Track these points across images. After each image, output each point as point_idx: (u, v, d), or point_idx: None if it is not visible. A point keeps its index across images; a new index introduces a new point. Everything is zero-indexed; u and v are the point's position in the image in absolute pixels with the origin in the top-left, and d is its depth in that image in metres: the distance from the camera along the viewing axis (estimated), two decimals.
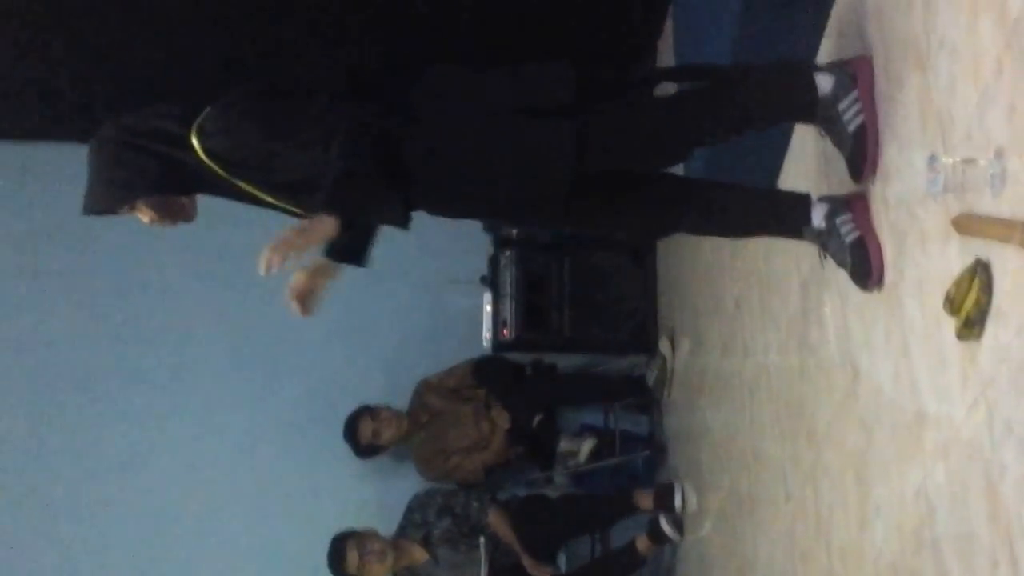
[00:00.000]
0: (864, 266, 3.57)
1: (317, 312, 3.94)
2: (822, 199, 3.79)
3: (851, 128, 3.58)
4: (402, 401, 7.52)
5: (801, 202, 3.82)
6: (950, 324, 2.82)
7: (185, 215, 3.95)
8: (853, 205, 3.66)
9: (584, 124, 3.70)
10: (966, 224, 2.79)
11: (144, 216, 3.88)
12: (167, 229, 3.98)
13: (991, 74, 2.71)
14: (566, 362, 7.84)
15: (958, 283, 2.78)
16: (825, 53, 4.08)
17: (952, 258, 2.92)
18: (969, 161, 2.75)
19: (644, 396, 7.46)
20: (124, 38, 6.96)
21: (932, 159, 2.83)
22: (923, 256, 3.14)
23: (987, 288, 2.69)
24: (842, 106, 3.59)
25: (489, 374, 7.57)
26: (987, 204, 2.72)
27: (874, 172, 3.56)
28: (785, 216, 3.87)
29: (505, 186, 3.77)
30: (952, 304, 2.79)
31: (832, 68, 3.67)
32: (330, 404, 7.54)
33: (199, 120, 3.73)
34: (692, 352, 6.62)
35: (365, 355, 7.94)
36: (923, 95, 3.15)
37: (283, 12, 6.82)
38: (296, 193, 3.79)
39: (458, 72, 3.86)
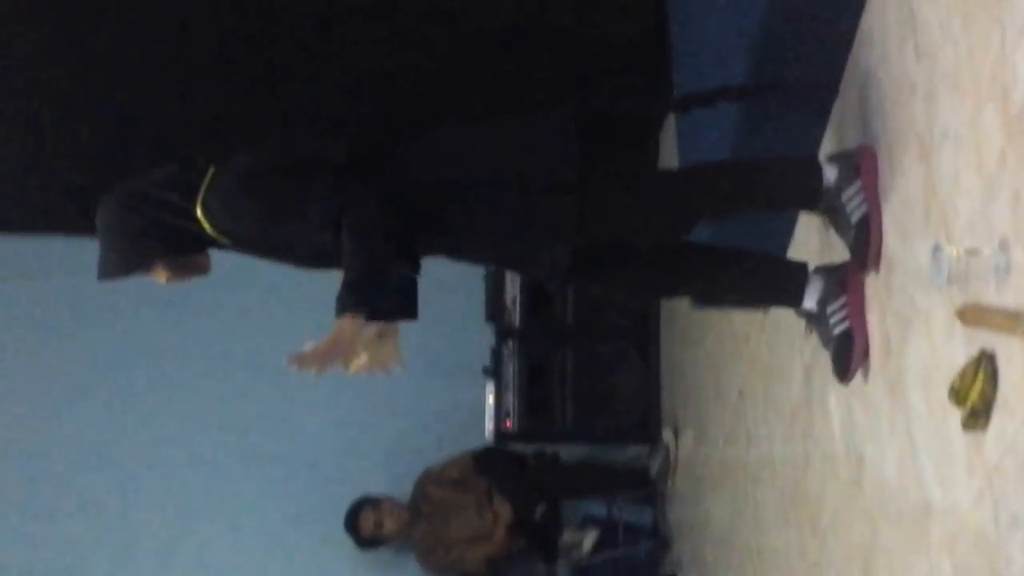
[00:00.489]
0: (844, 361, 3.65)
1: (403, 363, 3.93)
2: (819, 271, 3.81)
3: (854, 219, 3.59)
4: (404, 492, 7.49)
5: (797, 278, 3.83)
6: (955, 415, 2.81)
7: (201, 269, 3.98)
8: (848, 285, 3.68)
9: (585, 201, 3.71)
10: (971, 315, 2.78)
11: (160, 277, 3.90)
12: (176, 284, 3.99)
13: (994, 164, 2.72)
14: (569, 452, 7.81)
15: (963, 374, 2.77)
16: (828, 141, 4.10)
17: (957, 349, 2.91)
18: (973, 252, 2.76)
19: (647, 487, 7.43)
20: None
21: (936, 249, 2.83)
22: (928, 346, 3.14)
23: (992, 379, 2.68)
24: (846, 196, 3.60)
25: (491, 465, 7.54)
26: (992, 295, 2.72)
27: (878, 263, 3.57)
28: (779, 293, 3.92)
29: (507, 257, 3.86)
30: (957, 395, 2.78)
31: (836, 158, 3.70)
32: (331, 495, 7.51)
33: (203, 194, 3.75)
34: (695, 442, 6.60)
35: (367, 445, 7.92)
36: (927, 185, 3.16)
37: (280, 65, 6.88)
38: (303, 265, 3.86)
39: (460, 135, 3.90)
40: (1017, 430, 2.58)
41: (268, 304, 7.68)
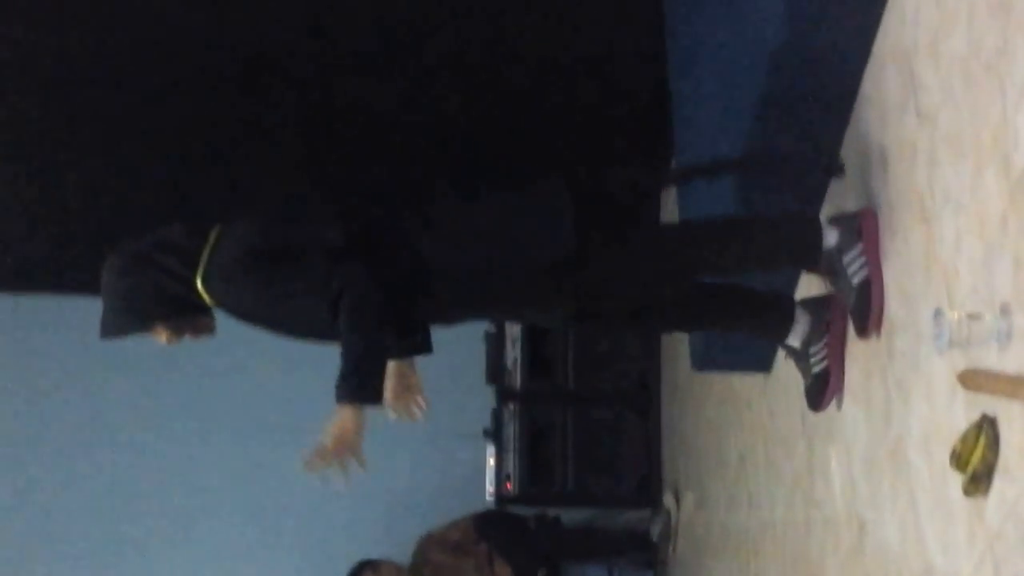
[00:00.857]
0: (818, 397, 3.91)
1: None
2: (806, 308, 3.89)
3: (855, 282, 3.61)
4: (404, 555, 7.44)
5: (784, 315, 3.92)
6: (956, 480, 2.79)
7: (205, 330, 4.00)
8: (832, 327, 3.82)
9: (583, 276, 3.78)
10: (972, 379, 2.77)
11: (161, 336, 3.92)
12: (178, 344, 4.00)
13: (996, 228, 2.71)
14: (570, 516, 7.78)
15: (964, 439, 2.76)
16: (829, 204, 4.09)
17: (958, 413, 2.90)
18: (975, 316, 2.74)
19: (648, 551, 7.40)
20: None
21: (937, 313, 2.82)
22: (929, 410, 3.12)
23: (993, 444, 2.67)
24: (847, 259, 3.63)
25: (492, 528, 7.51)
26: (993, 359, 2.71)
27: (879, 327, 3.57)
28: (766, 328, 4.02)
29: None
30: (958, 460, 2.77)
31: (837, 220, 3.71)
32: (331, 557, 7.47)
33: (203, 266, 3.78)
34: (696, 507, 6.57)
35: (367, 509, 7.88)
36: (928, 249, 3.15)
37: (279, 122, 6.91)
38: (301, 339, 3.89)
39: (459, 212, 3.93)
40: (1018, 496, 2.56)
41: (272, 364, 7.66)
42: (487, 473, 7.58)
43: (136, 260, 3.87)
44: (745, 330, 4.29)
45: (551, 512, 7.72)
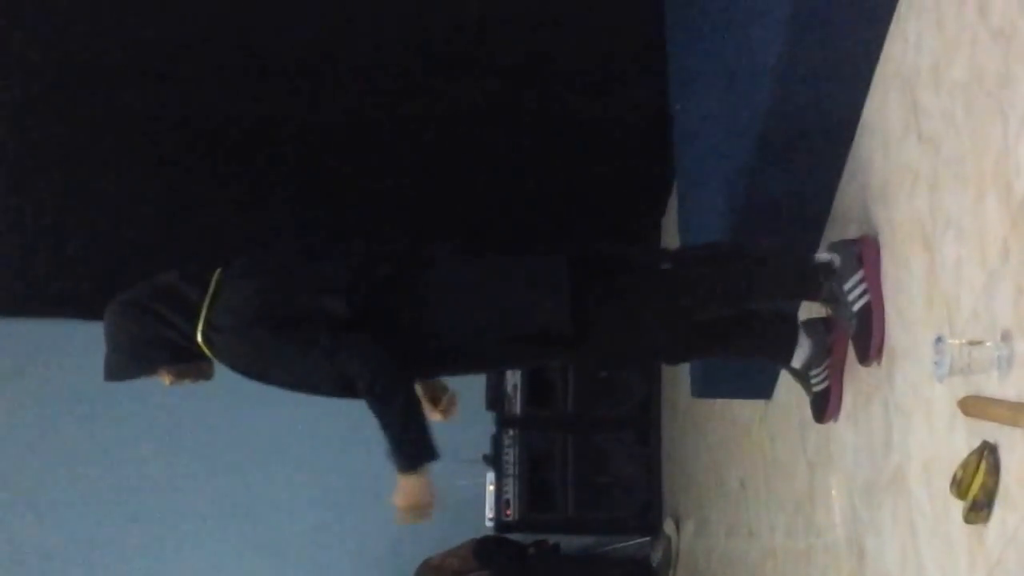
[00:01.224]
0: (820, 411, 3.97)
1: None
2: (808, 330, 3.92)
3: (856, 308, 3.61)
4: None
5: (787, 338, 3.94)
6: (957, 507, 2.79)
7: (204, 375, 4.07)
8: (834, 350, 3.87)
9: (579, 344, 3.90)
10: (973, 406, 2.77)
11: (164, 379, 4.01)
12: (182, 387, 4.09)
13: (997, 255, 2.71)
14: (570, 543, 7.76)
15: (965, 466, 2.75)
16: (831, 229, 4.09)
17: (959, 440, 2.89)
18: (976, 343, 2.74)
19: None
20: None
21: (938, 340, 2.81)
22: (929, 437, 3.12)
23: (994, 471, 2.66)
24: (847, 286, 3.63)
25: (491, 555, 7.49)
26: (994, 386, 2.70)
27: (880, 354, 3.57)
28: (770, 351, 4.07)
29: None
30: (959, 487, 2.76)
31: (838, 247, 3.72)
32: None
33: (203, 322, 3.85)
34: (697, 534, 6.56)
35: (366, 534, 7.86)
36: (929, 276, 3.15)
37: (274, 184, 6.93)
38: (298, 392, 3.98)
39: (457, 276, 4.01)
40: (1019, 523, 2.55)
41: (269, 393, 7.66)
42: (487, 499, 7.56)
43: (135, 308, 3.94)
44: (750, 357, 4.34)
45: (551, 539, 7.70)
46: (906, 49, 3.41)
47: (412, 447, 3.84)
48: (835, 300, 3.70)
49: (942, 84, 3.12)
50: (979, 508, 2.70)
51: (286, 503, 7.82)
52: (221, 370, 4.04)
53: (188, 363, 3.98)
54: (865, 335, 3.60)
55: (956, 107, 3.01)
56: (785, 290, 3.99)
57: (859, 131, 3.81)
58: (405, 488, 3.85)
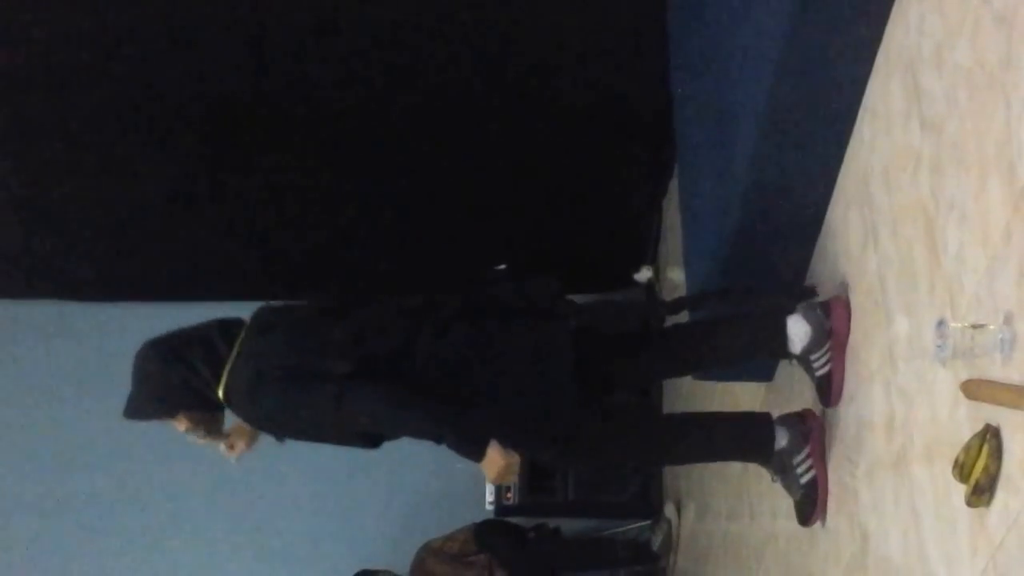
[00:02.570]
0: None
1: None
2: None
3: (803, 480, 4.07)
4: (403, 565, 7.43)
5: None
6: (959, 490, 2.79)
7: (217, 430, 4.40)
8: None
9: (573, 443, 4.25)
10: (975, 390, 2.77)
11: (180, 425, 4.30)
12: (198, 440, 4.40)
13: (1000, 238, 2.71)
14: (570, 526, 7.76)
15: (967, 449, 2.75)
16: (833, 211, 4.09)
17: (961, 424, 2.89)
18: (978, 326, 2.74)
19: (649, 562, 7.38)
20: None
21: (941, 324, 2.81)
22: (932, 421, 3.12)
23: (996, 454, 2.66)
24: (796, 460, 4.08)
25: (491, 539, 7.49)
26: (996, 369, 2.70)
27: (823, 519, 4.06)
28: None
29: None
30: (961, 470, 2.76)
31: (787, 422, 4.14)
32: (331, 568, 7.47)
33: (225, 378, 4.13)
34: (698, 517, 6.56)
35: (366, 518, 7.88)
36: (931, 258, 3.15)
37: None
38: (313, 441, 4.28)
39: (461, 346, 4.18)
40: (1021, 507, 2.56)
41: None
42: (487, 483, 7.56)
43: (169, 352, 4.22)
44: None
45: (551, 522, 7.71)
46: (908, 33, 3.40)
47: (466, 443, 4.06)
48: (783, 470, 4.13)
49: (944, 68, 3.12)
50: (981, 491, 2.70)
51: (288, 482, 7.82)
52: None
53: (207, 412, 4.28)
54: (810, 504, 4.08)
55: (958, 91, 3.01)
56: (740, 455, 4.49)
57: (861, 114, 3.81)
58: (486, 468, 4.04)
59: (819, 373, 3.98)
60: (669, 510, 7.20)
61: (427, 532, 7.52)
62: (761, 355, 4.35)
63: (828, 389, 3.97)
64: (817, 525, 4.14)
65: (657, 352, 4.48)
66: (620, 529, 7.82)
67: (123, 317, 7.64)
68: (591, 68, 6.44)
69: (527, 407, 4.12)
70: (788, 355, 4.07)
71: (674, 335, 4.66)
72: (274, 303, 4.38)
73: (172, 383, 4.20)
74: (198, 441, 4.37)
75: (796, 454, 4.08)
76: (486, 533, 7.51)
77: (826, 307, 3.96)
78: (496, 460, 4.01)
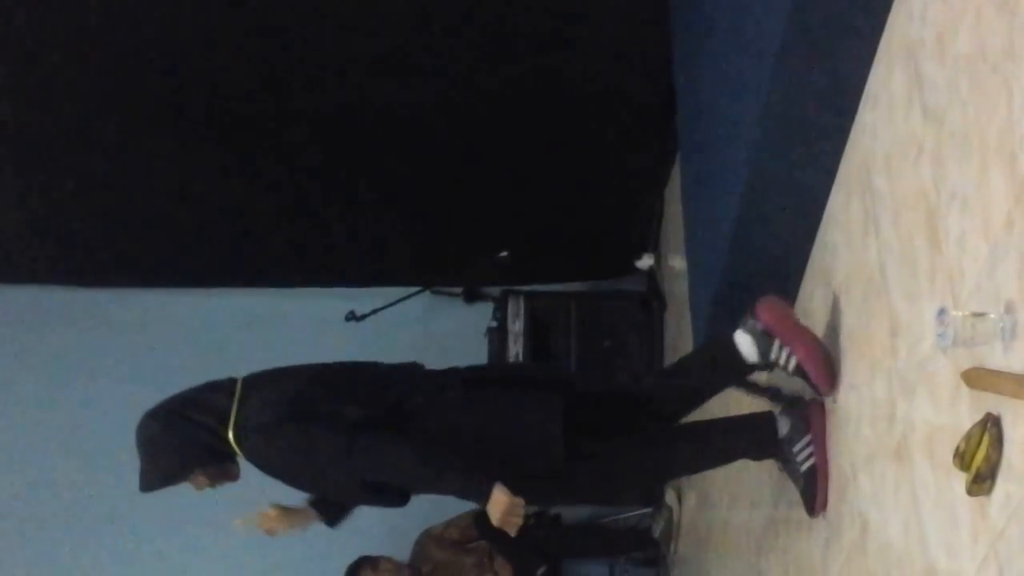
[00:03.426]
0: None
1: None
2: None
3: (803, 468, 4.09)
4: (403, 552, 7.44)
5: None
6: (960, 479, 2.79)
7: (232, 477, 4.47)
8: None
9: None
10: (976, 378, 2.77)
11: (198, 485, 4.42)
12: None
13: (1001, 227, 2.71)
14: (571, 514, 7.77)
15: (968, 438, 2.75)
16: (835, 198, 4.09)
17: (962, 412, 2.89)
18: (979, 315, 2.74)
19: (650, 549, 7.39)
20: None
21: (941, 312, 2.81)
22: (933, 410, 3.12)
23: (997, 443, 2.66)
24: (796, 448, 4.10)
25: (492, 525, 7.47)
26: (997, 358, 2.70)
27: (824, 509, 4.06)
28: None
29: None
30: (962, 459, 2.76)
31: (788, 412, 4.18)
32: (330, 554, 7.46)
33: (233, 425, 4.23)
34: (699, 505, 6.57)
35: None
36: (933, 247, 3.15)
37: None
38: (325, 493, 4.58)
39: (458, 405, 4.34)
40: (1022, 495, 2.55)
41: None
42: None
43: (169, 415, 4.30)
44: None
45: (552, 510, 7.71)
46: (910, 21, 3.40)
47: (470, 491, 4.30)
48: (785, 460, 4.17)
49: (946, 56, 3.11)
50: (982, 480, 2.70)
51: None
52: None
53: (220, 465, 4.35)
54: (811, 492, 4.09)
55: (960, 79, 3.01)
56: (742, 453, 4.45)
57: (863, 103, 3.80)
58: (491, 510, 4.16)
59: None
60: (670, 498, 7.21)
61: (427, 519, 7.52)
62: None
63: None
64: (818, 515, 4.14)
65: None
66: (621, 516, 7.83)
67: (125, 303, 7.66)
68: (594, 57, 6.43)
69: (518, 461, 4.25)
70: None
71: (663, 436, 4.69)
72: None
73: (179, 443, 4.28)
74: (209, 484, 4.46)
75: (796, 443, 4.10)
76: (486, 520, 7.48)
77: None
78: (501, 501, 4.10)
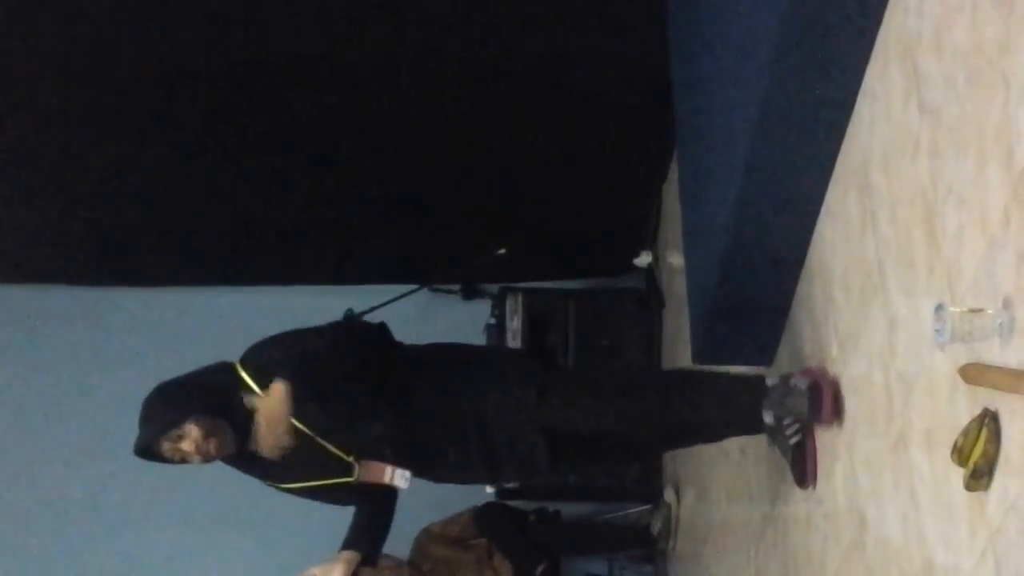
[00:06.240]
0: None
1: None
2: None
3: (792, 442, 4.16)
4: (403, 549, 7.43)
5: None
6: (958, 474, 2.79)
7: (227, 442, 4.29)
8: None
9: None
10: (974, 374, 2.77)
11: (190, 440, 4.21)
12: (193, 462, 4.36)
13: (999, 223, 2.71)
14: (570, 510, 7.77)
15: (966, 433, 2.75)
16: (832, 192, 4.09)
17: (960, 408, 2.89)
18: (977, 311, 2.74)
19: (649, 545, 7.40)
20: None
21: (939, 308, 2.81)
22: (930, 406, 3.12)
23: (995, 438, 2.67)
24: (785, 423, 4.14)
25: (491, 523, 7.50)
26: (995, 354, 2.70)
27: (815, 481, 4.15)
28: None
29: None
30: (960, 454, 2.76)
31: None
32: (330, 551, 7.46)
33: (241, 357, 4.32)
34: (697, 501, 6.57)
35: None
36: (930, 242, 3.15)
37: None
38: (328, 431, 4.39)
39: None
40: (1020, 491, 2.56)
41: None
42: None
43: (172, 383, 4.34)
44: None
45: (551, 507, 7.72)
46: (907, 16, 3.40)
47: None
48: (774, 434, 4.23)
49: (943, 51, 3.11)
50: (980, 475, 2.70)
51: None
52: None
53: (214, 419, 4.22)
54: (800, 466, 4.19)
55: (957, 74, 3.00)
56: (730, 429, 4.56)
57: (860, 98, 3.80)
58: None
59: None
60: (669, 494, 7.21)
61: (427, 516, 7.53)
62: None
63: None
64: (816, 511, 4.14)
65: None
66: (620, 513, 7.84)
67: (121, 302, 7.67)
68: (591, 53, 6.42)
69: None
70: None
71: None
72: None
73: (178, 395, 4.25)
74: (193, 457, 4.31)
75: (784, 418, 4.14)
76: (486, 517, 7.52)
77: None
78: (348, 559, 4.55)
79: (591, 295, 8.17)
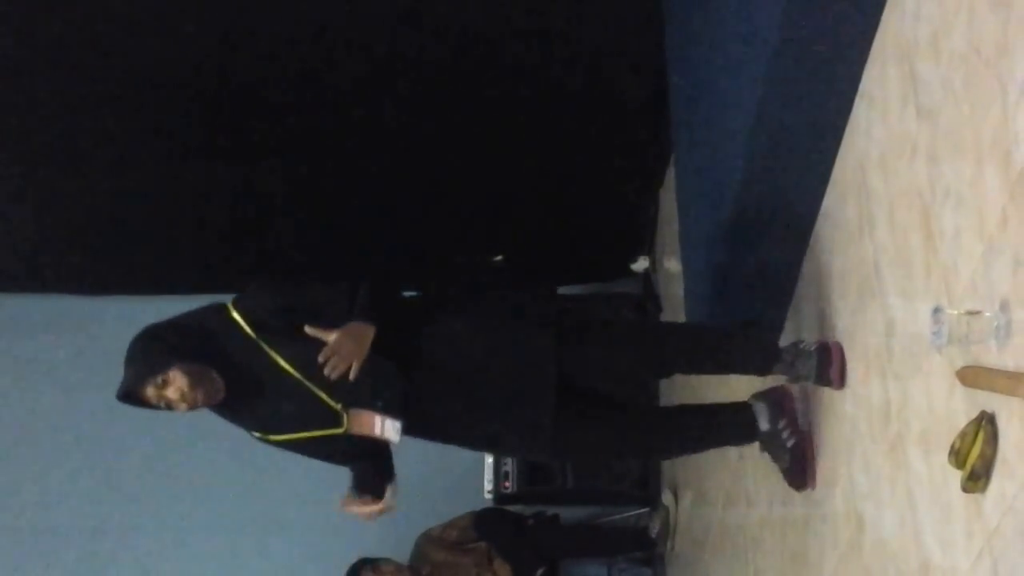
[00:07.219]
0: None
1: None
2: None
3: (788, 445, 4.20)
4: (403, 553, 7.44)
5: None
6: (955, 476, 2.80)
7: (215, 390, 4.11)
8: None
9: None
10: (971, 376, 2.78)
11: (175, 388, 4.03)
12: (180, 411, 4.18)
13: (996, 226, 2.72)
14: (569, 514, 7.77)
15: (963, 435, 2.76)
16: (829, 197, 4.10)
17: (957, 410, 2.90)
18: (974, 313, 2.75)
19: (647, 548, 7.39)
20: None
21: (936, 310, 2.82)
22: (928, 408, 3.13)
23: (992, 440, 2.67)
24: (780, 426, 4.20)
25: (490, 526, 7.50)
26: (992, 356, 2.71)
27: (814, 482, 4.17)
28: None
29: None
30: (957, 456, 2.77)
31: (762, 397, 4.24)
32: (330, 556, 7.46)
33: (231, 300, 4.18)
34: (695, 504, 6.57)
35: None
36: (928, 245, 3.15)
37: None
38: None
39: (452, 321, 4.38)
40: (1016, 492, 2.56)
41: None
42: (485, 471, 7.58)
43: (160, 326, 4.16)
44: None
45: (550, 510, 7.72)
46: (904, 19, 3.41)
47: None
48: (770, 441, 4.25)
49: (941, 54, 3.12)
50: (977, 477, 2.71)
51: (287, 473, 7.82)
52: None
53: (201, 365, 4.06)
54: (799, 467, 4.20)
55: (955, 77, 3.01)
56: (723, 438, 4.57)
57: (857, 101, 3.81)
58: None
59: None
60: (667, 497, 7.21)
61: (426, 520, 7.52)
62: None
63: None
64: (814, 513, 4.14)
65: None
66: (618, 516, 7.84)
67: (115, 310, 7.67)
68: (587, 57, 6.41)
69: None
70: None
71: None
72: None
73: (165, 332, 4.11)
74: (179, 405, 4.12)
75: (778, 423, 4.20)
76: (485, 521, 7.52)
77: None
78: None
79: (588, 300, 8.17)
